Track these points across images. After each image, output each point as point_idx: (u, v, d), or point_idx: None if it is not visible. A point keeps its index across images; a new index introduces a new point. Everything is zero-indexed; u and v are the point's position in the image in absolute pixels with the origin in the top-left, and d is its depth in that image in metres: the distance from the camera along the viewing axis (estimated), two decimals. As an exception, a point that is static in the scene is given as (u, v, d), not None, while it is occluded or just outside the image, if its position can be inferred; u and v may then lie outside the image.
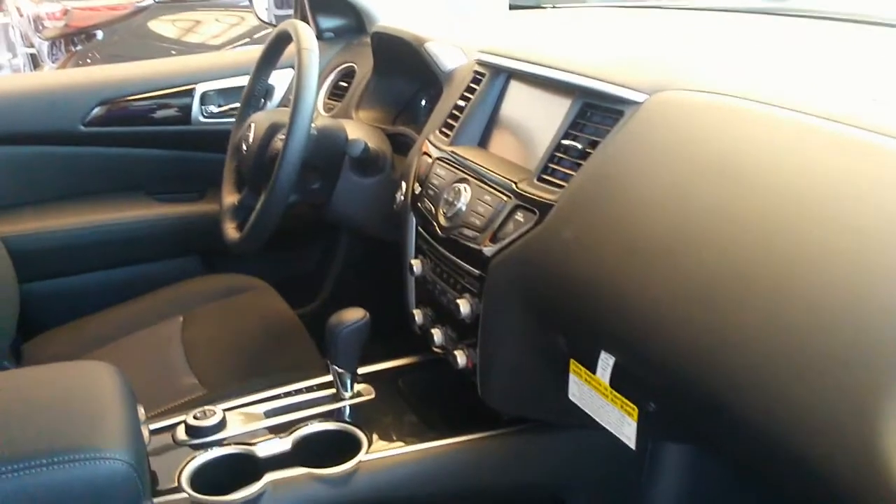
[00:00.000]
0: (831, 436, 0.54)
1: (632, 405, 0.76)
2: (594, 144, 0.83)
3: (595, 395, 0.81)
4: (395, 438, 1.00)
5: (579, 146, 0.86)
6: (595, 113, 0.87)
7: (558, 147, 0.89)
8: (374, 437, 0.99)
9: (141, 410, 0.87)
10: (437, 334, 1.05)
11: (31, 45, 4.19)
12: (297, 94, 1.11)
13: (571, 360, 0.83)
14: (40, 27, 3.91)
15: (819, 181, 0.61)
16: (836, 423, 0.53)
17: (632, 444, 0.78)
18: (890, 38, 1.08)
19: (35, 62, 4.20)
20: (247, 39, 3.92)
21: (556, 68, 0.94)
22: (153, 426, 1.00)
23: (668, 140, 0.76)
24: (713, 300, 0.63)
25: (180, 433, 0.98)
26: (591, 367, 0.79)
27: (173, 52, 3.86)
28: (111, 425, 0.77)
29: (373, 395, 1.07)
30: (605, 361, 0.77)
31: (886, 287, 0.53)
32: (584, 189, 0.81)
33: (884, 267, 0.54)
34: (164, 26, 3.97)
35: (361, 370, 1.10)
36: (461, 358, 0.99)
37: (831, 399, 0.54)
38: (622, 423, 0.78)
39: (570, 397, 0.85)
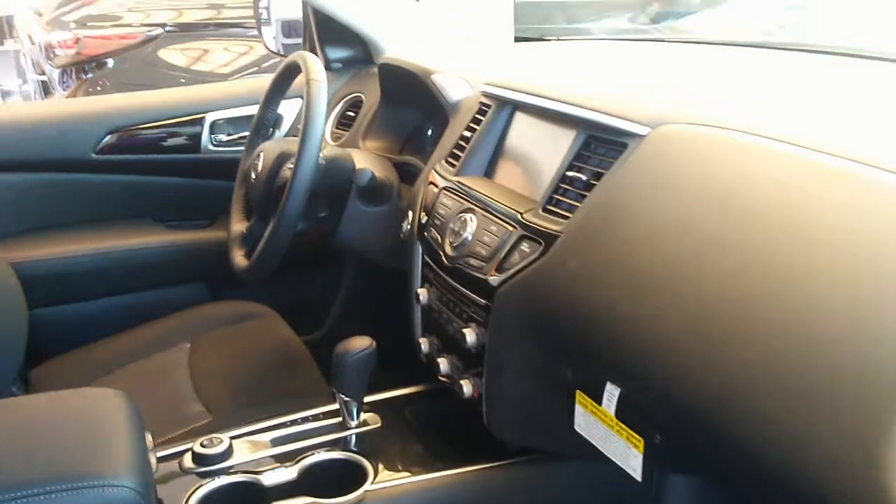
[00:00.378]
0: (831, 469, 0.54)
1: (637, 437, 0.76)
2: (598, 176, 0.84)
3: (601, 426, 0.81)
4: (401, 468, 1.00)
5: (584, 178, 0.87)
6: (599, 145, 0.88)
7: (563, 178, 0.90)
8: (381, 466, 0.99)
9: (148, 437, 0.87)
10: (443, 363, 1.05)
11: (43, 73, 4.24)
12: (306, 124, 1.13)
13: (577, 391, 0.84)
14: (52, 55, 3.95)
15: (819, 215, 0.62)
16: (835, 456, 0.54)
17: (637, 476, 0.78)
18: (890, 74, 1.09)
19: (46, 89, 4.25)
20: (255, 68, 3.96)
21: (560, 101, 0.95)
22: (160, 453, 1.01)
23: (671, 173, 0.77)
24: (715, 332, 0.64)
25: (187, 461, 0.99)
26: (597, 398, 0.79)
27: (183, 81, 3.90)
28: (119, 452, 0.78)
29: (379, 424, 1.07)
30: (611, 393, 0.77)
31: (883, 319, 0.54)
32: (588, 220, 0.82)
33: (879, 299, 0.54)
34: (174, 55, 4.01)
35: (368, 399, 1.10)
36: (467, 387, 0.99)
37: (830, 433, 0.54)
38: (628, 454, 0.78)
39: (577, 428, 0.85)
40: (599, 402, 0.79)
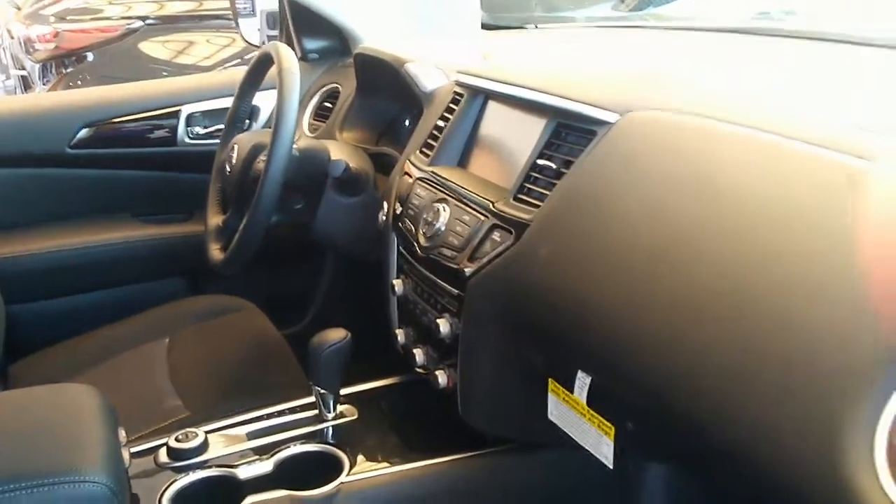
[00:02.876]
0: (796, 456, 0.54)
1: (609, 424, 0.77)
2: (568, 164, 0.84)
3: (573, 414, 0.81)
4: (377, 459, 1.00)
5: (554, 166, 0.87)
6: (569, 133, 0.88)
7: (534, 167, 0.90)
8: (356, 458, 0.99)
9: (122, 433, 0.87)
10: (418, 354, 1.05)
11: (23, 68, 4.20)
12: (278, 115, 1.12)
13: (550, 380, 0.84)
14: (31, 49, 3.92)
15: (783, 197, 0.62)
16: (799, 442, 0.54)
17: (609, 464, 0.78)
18: (874, 59, 1.09)
19: (26, 84, 4.21)
20: (238, 60, 3.94)
21: (530, 89, 0.95)
22: (136, 448, 1.00)
23: (639, 159, 0.77)
24: (684, 318, 0.64)
25: (162, 456, 0.98)
26: (569, 386, 0.79)
27: (164, 74, 3.88)
28: (90, 448, 0.77)
29: (355, 416, 1.07)
30: (582, 380, 0.77)
31: (849, 300, 0.54)
32: (558, 208, 0.82)
33: (849, 282, 0.54)
34: (155, 48, 3.99)
35: (344, 391, 1.10)
36: (442, 378, 0.99)
37: (797, 415, 0.54)
38: (600, 442, 0.79)
39: (550, 416, 0.85)
40: (571, 391, 0.79)
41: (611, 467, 0.78)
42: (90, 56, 3.88)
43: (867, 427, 0.50)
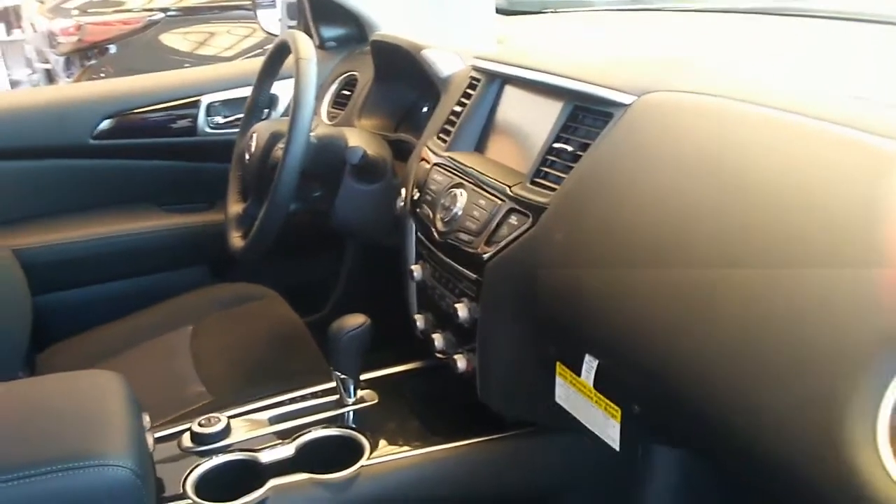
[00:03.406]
0: (799, 434, 0.54)
1: (615, 407, 0.77)
2: (585, 147, 0.84)
3: (580, 397, 0.81)
4: (397, 443, 1.00)
5: (570, 149, 0.86)
6: (586, 116, 0.87)
7: (550, 150, 0.89)
8: (377, 441, 1.00)
9: (146, 418, 0.88)
10: (438, 339, 1.05)
11: (47, 61, 4.25)
12: (296, 103, 1.13)
13: (557, 363, 0.84)
14: (55, 43, 3.96)
15: (805, 179, 0.61)
16: (803, 422, 0.54)
17: (616, 446, 0.78)
18: (888, 36, 1.07)
19: (51, 77, 4.26)
20: (258, 50, 3.95)
21: (547, 72, 0.95)
22: (160, 434, 1.02)
23: (655, 140, 0.76)
24: (694, 302, 0.64)
25: (186, 440, 1.00)
26: (577, 369, 0.79)
27: (186, 65, 3.90)
28: (115, 433, 0.79)
29: (376, 401, 1.08)
30: (590, 364, 0.77)
31: (860, 285, 0.53)
32: (574, 191, 0.82)
33: (861, 264, 0.54)
34: (176, 39, 4.01)
35: (365, 376, 1.10)
36: (461, 362, 0.99)
37: (799, 397, 0.54)
38: (606, 424, 0.79)
39: (557, 400, 0.85)
40: (579, 374, 0.79)
41: (617, 449, 0.78)
42: (112, 48, 3.91)
43: (870, 410, 0.51)
